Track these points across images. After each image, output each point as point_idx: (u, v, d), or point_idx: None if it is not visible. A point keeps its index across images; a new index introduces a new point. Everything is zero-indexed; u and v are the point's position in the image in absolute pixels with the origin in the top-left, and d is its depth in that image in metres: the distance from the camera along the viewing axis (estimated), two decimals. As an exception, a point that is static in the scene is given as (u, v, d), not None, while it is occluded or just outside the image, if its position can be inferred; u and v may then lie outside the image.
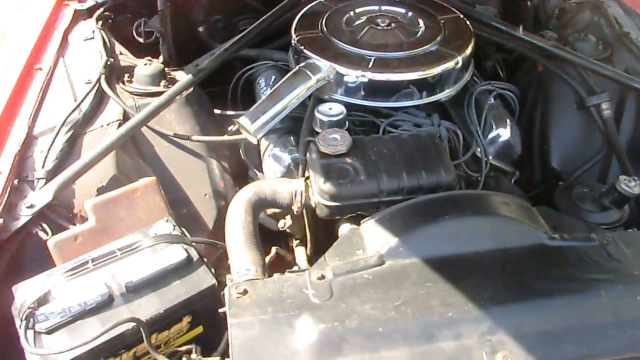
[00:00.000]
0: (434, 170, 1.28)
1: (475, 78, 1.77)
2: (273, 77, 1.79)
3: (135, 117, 1.45)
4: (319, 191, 1.26)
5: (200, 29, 2.07)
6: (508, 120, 1.63)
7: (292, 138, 1.56)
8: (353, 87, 1.50)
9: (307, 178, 1.33)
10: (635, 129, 1.67)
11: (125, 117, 1.52)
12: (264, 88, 1.77)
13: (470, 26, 1.67)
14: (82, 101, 1.53)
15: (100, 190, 1.33)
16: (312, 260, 1.40)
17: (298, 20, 1.69)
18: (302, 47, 1.56)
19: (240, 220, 1.24)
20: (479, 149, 1.56)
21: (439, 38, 1.58)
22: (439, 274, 1.07)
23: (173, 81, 1.66)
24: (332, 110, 1.44)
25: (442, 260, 1.11)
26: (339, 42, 1.57)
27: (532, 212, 1.25)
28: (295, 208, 1.31)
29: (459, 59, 1.52)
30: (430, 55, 1.53)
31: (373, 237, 1.17)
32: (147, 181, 1.33)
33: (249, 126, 1.43)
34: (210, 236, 1.43)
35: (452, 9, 1.74)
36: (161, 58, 1.84)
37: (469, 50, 1.56)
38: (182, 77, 1.69)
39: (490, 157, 1.61)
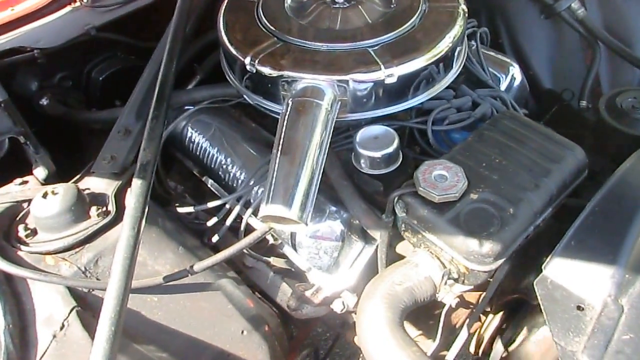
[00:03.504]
0: (563, 155, 0.96)
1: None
2: (204, 122, 1.25)
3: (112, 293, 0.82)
4: (473, 258, 0.85)
5: (44, 100, 1.35)
6: (508, 59, 1.38)
7: (318, 195, 1.08)
8: (371, 95, 1.07)
9: (428, 249, 0.90)
10: (605, 16, 1.54)
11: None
12: (214, 149, 1.22)
13: None
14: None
15: None
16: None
17: (226, 33, 1.15)
18: (276, 71, 1.05)
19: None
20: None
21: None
22: None
23: (100, 200, 1.01)
24: (378, 139, 1.00)
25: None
26: (316, 43, 1.09)
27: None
28: (443, 296, 0.89)
29: (463, 6, 1.18)
30: (429, 18, 1.15)
31: (580, 281, 0.83)
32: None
33: (287, 214, 0.92)
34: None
35: None
36: (40, 170, 1.12)
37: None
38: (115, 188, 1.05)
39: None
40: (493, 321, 1.11)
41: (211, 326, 0.99)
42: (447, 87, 1.17)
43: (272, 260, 1.17)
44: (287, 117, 1.01)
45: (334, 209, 1.06)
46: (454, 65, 1.16)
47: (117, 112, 1.23)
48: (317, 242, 1.06)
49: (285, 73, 1.05)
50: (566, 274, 0.84)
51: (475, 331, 1.14)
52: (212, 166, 1.23)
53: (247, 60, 1.08)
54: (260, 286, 1.22)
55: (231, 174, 1.19)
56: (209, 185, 1.26)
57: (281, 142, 0.98)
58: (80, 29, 1.28)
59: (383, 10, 1.18)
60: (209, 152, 1.24)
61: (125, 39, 1.38)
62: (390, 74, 1.03)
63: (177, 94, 1.25)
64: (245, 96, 1.16)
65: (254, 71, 1.08)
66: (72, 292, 0.87)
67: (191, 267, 0.96)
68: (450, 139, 1.16)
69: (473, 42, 1.37)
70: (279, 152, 0.97)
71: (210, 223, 1.14)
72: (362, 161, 1.01)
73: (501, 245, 0.84)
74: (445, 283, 0.90)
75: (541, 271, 0.84)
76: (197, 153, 1.26)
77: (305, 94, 1.02)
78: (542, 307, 0.82)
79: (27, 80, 1.32)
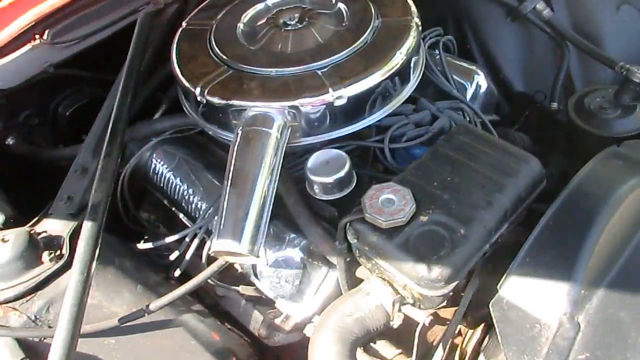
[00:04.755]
0: (517, 169, 0.93)
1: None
2: (168, 153, 1.24)
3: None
4: (424, 283, 0.83)
5: (10, 140, 1.36)
6: (473, 67, 1.35)
7: (277, 222, 1.07)
8: (323, 118, 1.05)
9: (380, 275, 0.88)
10: (572, 14, 1.51)
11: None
12: (177, 179, 1.21)
13: None
14: None
15: None
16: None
17: (178, 64, 1.15)
18: (224, 101, 1.04)
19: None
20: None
21: (372, 8, 1.18)
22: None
23: (55, 243, 1.01)
24: (329, 164, 0.98)
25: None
26: (265, 69, 1.08)
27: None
28: (397, 322, 0.87)
29: (416, 20, 1.15)
30: (382, 35, 1.13)
31: (536, 300, 0.80)
32: None
33: (237, 248, 0.90)
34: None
35: None
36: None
37: (413, 7, 1.19)
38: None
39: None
40: (474, 335, 1.09)
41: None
42: (408, 101, 1.15)
43: (241, 288, 1.16)
44: (236, 147, 1.00)
45: (293, 236, 1.05)
46: (410, 79, 1.14)
47: (79, 148, 1.23)
48: (277, 271, 1.04)
49: (233, 102, 1.04)
50: (521, 294, 0.81)
51: (458, 346, 1.11)
52: (176, 197, 1.22)
53: (197, 91, 1.07)
54: (234, 315, 1.21)
55: (193, 205, 1.18)
56: (180, 216, 1.25)
57: (230, 174, 0.97)
58: (39, 67, 1.29)
59: (335, 29, 1.16)
60: (173, 183, 1.23)
61: (87, 73, 1.38)
62: (339, 95, 1.01)
63: (138, 126, 1.24)
64: (201, 126, 1.16)
65: (205, 101, 1.07)
66: (22, 342, 0.86)
67: (147, 306, 0.95)
68: (411, 156, 1.14)
69: (437, 52, 1.35)
70: (229, 184, 0.96)
71: (172, 257, 1.13)
72: (314, 187, 1.00)
73: (451, 268, 0.82)
74: (399, 310, 0.88)
75: None
76: (162, 184, 1.25)
77: (254, 123, 1.01)
78: (497, 330, 0.80)
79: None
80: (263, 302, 1.17)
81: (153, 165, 1.26)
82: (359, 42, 1.10)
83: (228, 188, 0.95)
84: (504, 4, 1.49)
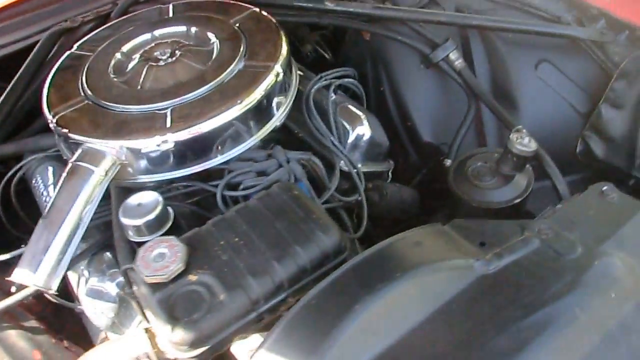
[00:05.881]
0: (309, 238, 0.91)
1: (301, 73, 1.42)
2: (51, 170, 1.28)
3: None
4: (169, 344, 0.84)
5: None
6: (361, 114, 1.32)
7: (108, 254, 1.10)
8: (158, 159, 1.07)
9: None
10: (492, 69, 1.44)
11: None
12: (45, 192, 1.26)
13: (272, 18, 1.30)
14: None
15: None
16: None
17: (48, 90, 1.19)
18: (66, 131, 1.08)
19: None
20: (342, 163, 1.24)
21: (241, 48, 1.19)
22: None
23: None
24: (141, 206, 1.00)
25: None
26: (114, 104, 1.11)
27: (450, 237, 0.95)
28: (149, 378, 0.88)
29: (277, 67, 1.15)
30: (239, 78, 1.13)
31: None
32: None
33: (33, 279, 0.95)
34: None
35: (240, 3, 1.35)
36: None
37: (284, 51, 1.20)
38: None
39: (360, 165, 1.29)
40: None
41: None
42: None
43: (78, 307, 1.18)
44: (61, 181, 1.03)
45: (113, 271, 1.07)
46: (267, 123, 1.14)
47: None
48: (94, 302, 1.07)
49: (71, 135, 1.07)
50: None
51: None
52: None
53: (50, 117, 1.12)
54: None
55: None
56: None
57: (48, 206, 1.01)
58: None
59: (197, 68, 1.17)
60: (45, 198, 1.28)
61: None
62: (165, 140, 1.03)
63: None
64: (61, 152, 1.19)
65: (54, 129, 1.11)
66: None
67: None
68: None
69: (332, 94, 1.33)
70: (43, 216, 1.00)
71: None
72: (128, 230, 1.02)
73: (197, 333, 0.82)
74: (153, 365, 0.89)
75: None
76: (38, 198, 1.30)
77: (83, 158, 1.04)
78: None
79: None
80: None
81: (34, 179, 1.32)
82: (212, 84, 1.11)
83: (41, 220, 0.99)
84: (418, 50, 1.44)
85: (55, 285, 0.96)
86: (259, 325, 0.90)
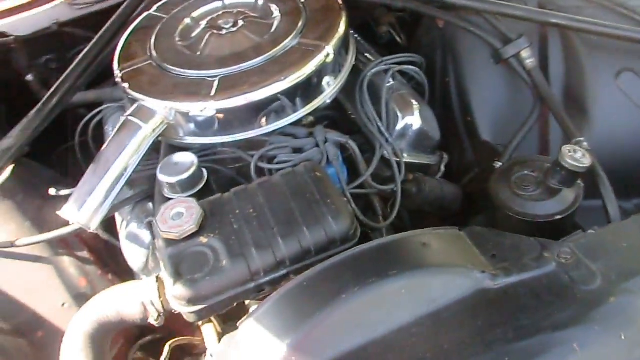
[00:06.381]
0: (319, 221, 0.93)
1: (367, 55, 1.41)
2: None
3: None
4: (171, 297, 0.91)
5: (29, 77, 1.64)
6: (415, 103, 1.29)
7: (150, 205, 1.20)
8: (203, 124, 1.13)
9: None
10: (567, 72, 1.33)
11: None
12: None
13: None
14: None
15: None
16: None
17: (122, 46, 1.30)
18: (126, 86, 1.18)
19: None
20: (385, 152, 1.23)
21: (299, 25, 1.21)
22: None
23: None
24: (178, 165, 1.07)
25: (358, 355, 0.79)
26: (172, 67, 1.18)
27: (461, 244, 0.93)
28: (153, 322, 0.96)
29: (329, 48, 1.15)
30: (290, 55, 1.16)
31: (251, 347, 0.83)
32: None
33: (77, 217, 1.06)
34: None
35: None
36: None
37: (340, 31, 1.20)
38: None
39: (406, 155, 1.27)
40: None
41: (33, 293, 1.19)
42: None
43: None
44: (114, 132, 1.13)
45: (150, 219, 1.16)
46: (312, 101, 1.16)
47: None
48: (130, 245, 1.17)
49: (129, 92, 1.16)
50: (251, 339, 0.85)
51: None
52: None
53: (117, 71, 1.22)
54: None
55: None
56: None
57: (99, 153, 1.11)
58: (48, 24, 1.53)
59: (255, 40, 1.21)
60: None
61: (86, 33, 1.59)
62: (206, 107, 1.08)
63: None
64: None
65: (119, 83, 1.21)
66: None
67: (15, 241, 1.16)
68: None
69: (390, 80, 1.32)
70: (92, 162, 1.11)
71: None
72: (163, 186, 1.09)
73: (195, 292, 0.88)
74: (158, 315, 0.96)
75: None
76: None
77: (136, 114, 1.13)
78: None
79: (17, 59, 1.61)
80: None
81: (107, 125, 1.45)
82: (263, 57, 1.15)
83: (91, 164, 1.10)
84: (486, 42, 1.36)
85: (94, 225, 1.07)
86: (259, 296, 0.94)
